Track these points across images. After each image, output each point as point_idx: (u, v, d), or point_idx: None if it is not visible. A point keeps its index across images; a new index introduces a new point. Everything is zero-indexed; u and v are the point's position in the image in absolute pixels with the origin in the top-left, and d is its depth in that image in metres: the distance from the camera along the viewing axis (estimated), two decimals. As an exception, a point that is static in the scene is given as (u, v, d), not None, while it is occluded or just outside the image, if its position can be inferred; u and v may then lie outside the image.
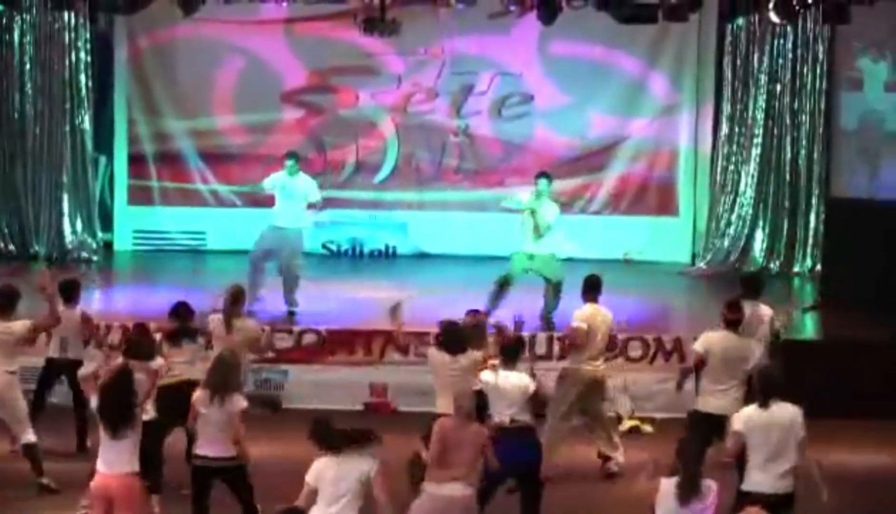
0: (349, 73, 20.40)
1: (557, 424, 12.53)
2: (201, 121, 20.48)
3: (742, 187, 19.98)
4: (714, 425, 11.03)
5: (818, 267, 19.23)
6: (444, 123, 20.52)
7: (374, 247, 20.71)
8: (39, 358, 13.20)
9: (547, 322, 15.37)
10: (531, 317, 15.37)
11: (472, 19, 19.42)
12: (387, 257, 20.67)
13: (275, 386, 14.91)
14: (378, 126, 20.59)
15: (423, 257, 20.53)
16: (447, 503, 9.52)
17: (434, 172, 20.61)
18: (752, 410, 9.61)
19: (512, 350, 10.95)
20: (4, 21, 19.74)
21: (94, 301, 17.48)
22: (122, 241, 20.76)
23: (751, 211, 19.98)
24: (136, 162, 20.55)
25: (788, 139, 19.88)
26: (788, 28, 19.43)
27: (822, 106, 19.80)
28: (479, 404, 10.21)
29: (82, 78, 19.95)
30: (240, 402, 10.11)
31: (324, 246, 20.58)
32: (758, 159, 19.91)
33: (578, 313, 12.67)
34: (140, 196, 20.63)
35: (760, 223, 20.04)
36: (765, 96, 19.83)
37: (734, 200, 20.03)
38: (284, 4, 19.67)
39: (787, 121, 19.84)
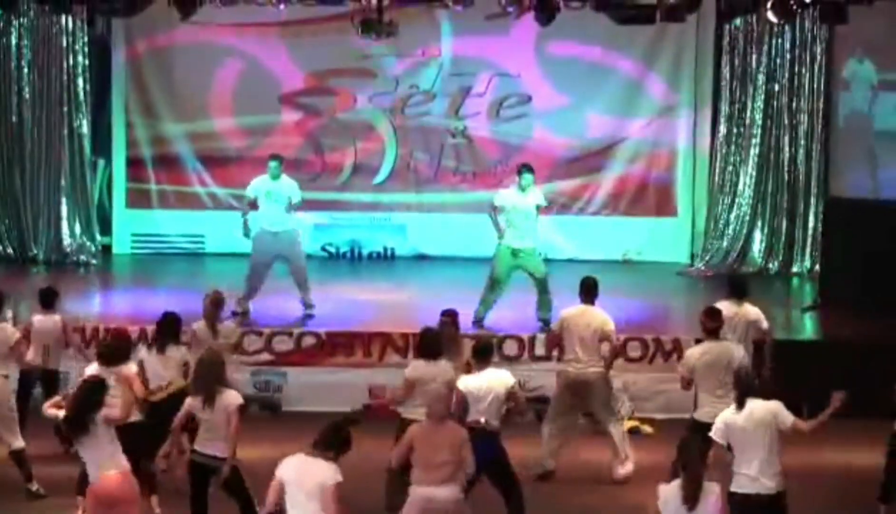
0: (347, 75, 20.39)
1: (547, 422, 12.64)
2: (199, 124, 20.46)
3: (740, 187, 20.00)
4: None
5: (817, 267, 19.21)
6: (442, 125, 20.51)
7: (373, 249, 20.69)
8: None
9: (543, 322, 15.33)
10: (527, 319, 15.45)
11: (469, 20, 19.38)
12: (386, 258, 20.65)
13: (274, 388, 14.92)
14: (376, 128, 20.57)
15: (422, 258, 20.53)
16: (435, 504, 9.54)
17: (432, 174, 20.60)
18: (728, 413, 9.64)
19: (482, 351, 11.06)
20: (2, 25, 19.72)
21: (93, 305, 17.63)
22: (121, 244, 20.74)
23: (749, 211, 19.99)
24: (135, 165, 20.54)
25: (787, 139, 19.89)
26: (786, 28, 19.44)
27: (821, 106, 19.83)
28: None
29: (80, 82, 19.93)
30: (235, 398, 10.11)
31: (323, 248, 20.58)
32: (756, 159, 19.93)
33: (561, 313, 12.77)
34: (138, 199, 20.61)
35: (759, 223, 20.05)
36: (763, 96, 19.85)
37: (733, 201, 20.04)
38: (282, 7, 19.57)
39: (786, 121, 19.86)
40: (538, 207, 15.52)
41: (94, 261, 20.03)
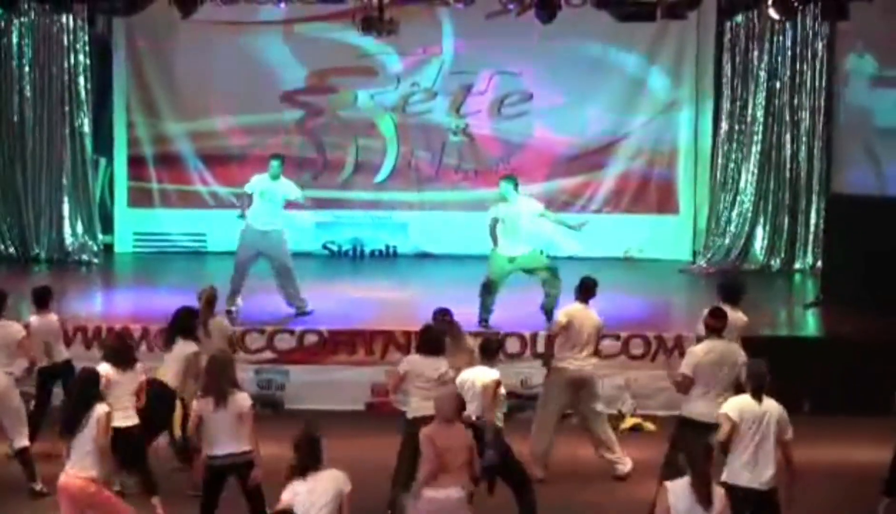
0: (348, 73, 20.36)
1: (538, 418, 12.65)
2: (201, 122, 20.44)
3: (742, 184, 19.96)
4: (703, 431, 10.96)
5: (819, 264, 19.18)
6: (443, 123, 20.49)
7: (375, 247, 20.68)
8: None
9: (549, 315, 15.30)
10: (528, 317, 15.43)
11: (470, 18, 19.37)
12: (388, 257, 20.65)
13: (276, 387, 14.92)
14: (377, 126, 20.56)
15: (423, 256, 20.51)
16: (441, 505, 9.51)
17: (434, 172, 20.58)
18: (744, 400, 9.65)
19: (487, 347, 11.20)
20: (3, 24, 19.70)
21: (95, 304, 17.64)
22: (123, 243, 20.72)
23: (751, 208, 19.95)
24: (136, 164, 20.52)
25: (788, 136, 19.86)
26: (788, 25, 19.40)
27: (822, 103, 19.79)
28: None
29: (81, 80, 19.90)
30: (246, 400, 10.12)
31: (324, 246, 20.58)
32: (758, 156, 19.89)
33: (566, 309, 12.79)
34: (140, 198, 20.60)
35: (761, 220, 20.02)
36: (764, 93, 19.81)
37: (734, 198, 20.01)
38: (283, 5, 19.64)
39: (787, 118, 19.82)
40: (541, 214, 15.60)
41: (95, 260, 20.01)
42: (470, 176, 20.54)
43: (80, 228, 20.13)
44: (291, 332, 15.19)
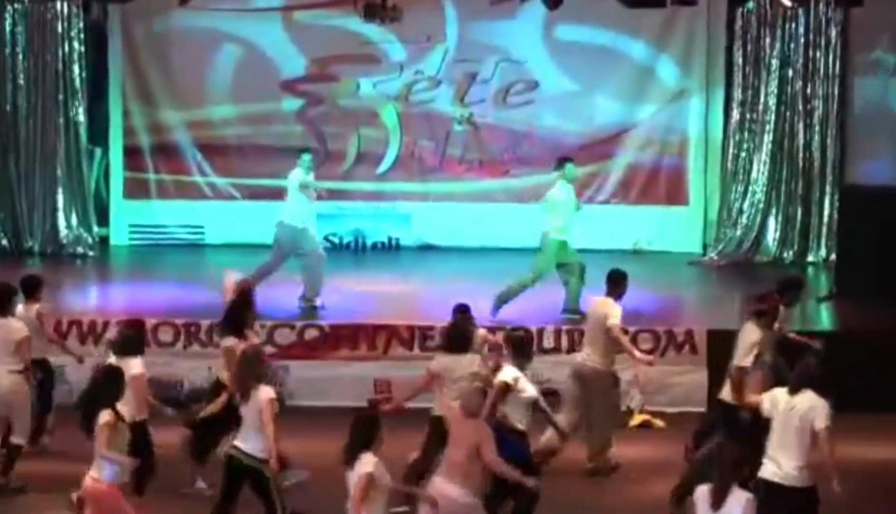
0: (350, 61, 20.22)
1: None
2: (198, 112, 20.28)
3: (754, 175, 19.80)
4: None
5: (832, 256, 19.04)
6: (447, 112, 20.32)
7: (378, 239, 20.53)
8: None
9: (574, 312, 15.11)
10: (535, 311, 15.17)
11: (475, 5, 19.34)
12: (390, 249, 20.49)
13: (277, 382, 14.57)
14: (380, 115, 20.40)
15: (427, 249, 20.35)
16: (454, 506, 9.41)
17: (438, 162, 20.46)
18: (779, 391, 9.49)
19: (517, 343, 11.15)
20: (-5, 10, 19.58)
21: (90, 298, 17.41)
22: (119, 235, 20.55)
23: (763, 199, 19.79)
24: (132, 154, 20.36)
25: (801, 125, 19.71)
26: (800, 11, 19.28)
27: (836, 91, 19.64)
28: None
29: (76, 68, 19.70)
30: (267, 393, 10.05)
31: (326, 238, 20.22)
32: (770, 146, 19.73)
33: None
34: (136, 189, 20.43)
35: (773, 212, 19.86)
36: (776, 82, 19.65)
37: (746, 189, 19.85)
38: (282, -8, 19.49)
39: (800, 107, 19.68)
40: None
41: (91, 253, 19.83)
42: (474, 166, 20.42)
43: (74, 220, 19.91)
44: (292, 326, 14.97)
